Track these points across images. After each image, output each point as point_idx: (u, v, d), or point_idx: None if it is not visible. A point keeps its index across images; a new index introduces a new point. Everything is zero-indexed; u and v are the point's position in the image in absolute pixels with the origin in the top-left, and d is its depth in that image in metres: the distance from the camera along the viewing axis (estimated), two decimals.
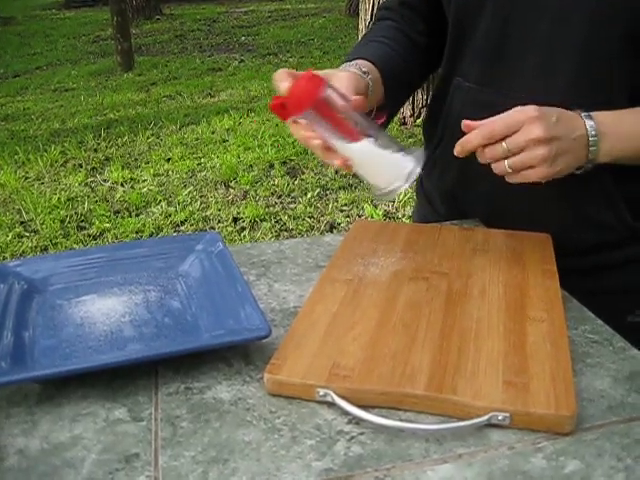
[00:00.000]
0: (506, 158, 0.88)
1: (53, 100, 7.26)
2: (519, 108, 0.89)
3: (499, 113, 0.90)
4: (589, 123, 0.90)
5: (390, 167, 0.90)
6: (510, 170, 0.89)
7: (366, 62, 1.05)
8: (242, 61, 8.50)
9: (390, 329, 0.82)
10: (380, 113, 1.06)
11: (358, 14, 6.12)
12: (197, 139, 5.36)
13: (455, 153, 0.92)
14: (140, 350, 0.80)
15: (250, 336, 0.78)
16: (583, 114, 0.91)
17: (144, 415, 0.72)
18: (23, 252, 3.69)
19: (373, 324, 0.83)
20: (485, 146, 0.89)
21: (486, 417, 0.68)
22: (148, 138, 5.49)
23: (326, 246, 1.08)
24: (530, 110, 0.87)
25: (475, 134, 0.90)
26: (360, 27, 5.99)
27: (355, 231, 1.07)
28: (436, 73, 1.24)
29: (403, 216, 3.73)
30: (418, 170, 0.90)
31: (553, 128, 0.87)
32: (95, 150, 5.30)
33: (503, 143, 0.87)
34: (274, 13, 11.91)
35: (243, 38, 10.03)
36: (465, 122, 0.91)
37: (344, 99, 0.88)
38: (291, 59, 8.37)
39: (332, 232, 3.62)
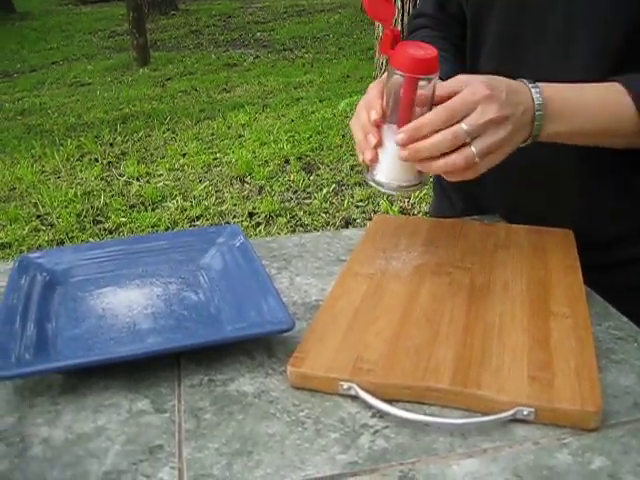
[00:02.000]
0: (464, 145, 0.82)
1: (69, 95, 7.30)
2: (467, 85, 0.83)
3: None
4: (535, 91, 0.86)
5: (408, 168, 0.89)
6: (478, 159, 0.82)
7: None
8: (257, 57, 8.51)
9: (413, 323, 0.81)
10: None
11: None
12: (212, 134, 5.37)
13: (398, 142, 0.84)
14: (163, 342, 0.80)
15: (274, 329, 0.78)
16: (530, 84, 0.87)
17: (167, 407, 0.72)
18: (39, 245, 3.72)
19: (396, 318, 0.82)
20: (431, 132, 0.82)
21: (511, 412, 0.68)
22: (164, 133, 5.50)
23: (347, 240, 1.08)
24: (481, 88, 0.82)
25: (432, 115, 0.83)
26: (376, 22, 5.96)
27: (376, 225, 1.07)
28: None
29: (419, 212, 3.72)
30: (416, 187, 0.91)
31: (506, 105, 0.82)
32: (111, 144, 5.32)
33: (462, 124, 0.81)
34: (289, 9, 11.90)
35: (258, 34, 10.04)
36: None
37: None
38: (306, 55, 8.38)
39: (347, 228, 3.62)
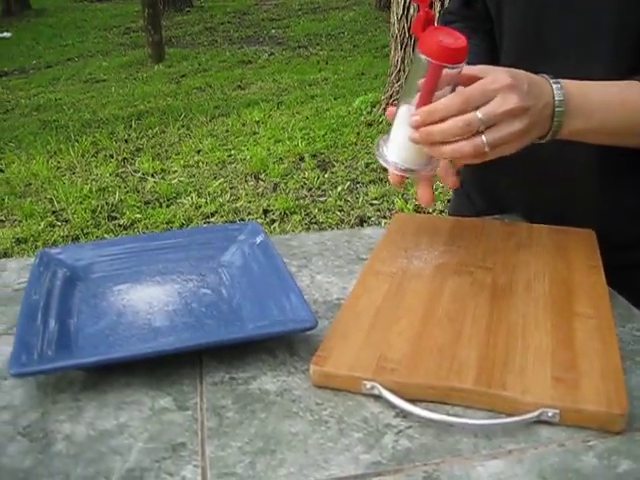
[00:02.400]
0: (477, 133, 0.81)
1: (84, 91, 7.32)
2: (491, 74, 0.82)
3: None
4: (556, 87, 0.85)
5: (419, 151, 0.88)
6: (487, 149, 0.81)
7: None
8: (272, 54, 8.50)
9: (435, 323, 0.81)
10: None
11: (389, 7, 6.09)
12: (227, 131, 5.38)
13: (411, 124, 0.84)
14: (185, 339, 0.79)
15: (296, 327, 0.77)
16: (551, 79, 0.86)
17: (189, 404, 0.72)
18: (55, 241, 3.73)
19: (418, 317, 0.82)
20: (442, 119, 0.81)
21: (536, 413, 0.67)
22: (178, 129, 5.51)
23: (367, 238, 1.07)
24: (504, 77, 0.81)
25: (445, 101, 0.81)
26: (392, 20, 5.95)
27: (396, 224, 1.06)
28: None
29: (434, 210, 3.71)
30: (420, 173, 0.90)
31: (527, 97, 0.81)
32: (126, 141, 5.34)
33: (477, 112, 0.80)
34: (304, 6, 11.89)
35: (273, 31, 10.04)
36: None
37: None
38: (321, 52, 8.36)
39: (362, 226, 3.62)
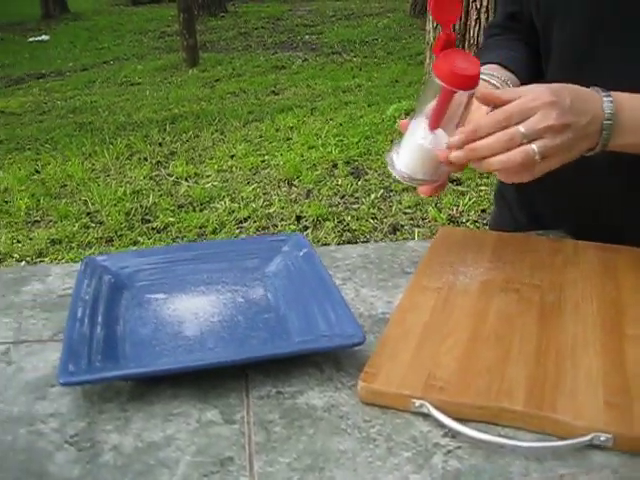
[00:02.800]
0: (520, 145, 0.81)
1: (119, 94, 7.39)
2: (532, 92, 0.83)
3: None
4: (607, 100, 0.85)
5: (427, 163, 0.90)
6: (538, 157, 0.81)
7: (494, 65, 1.03)
8: (306, 59, 8.52)
9: (484, 341, 0.80)
10: None
11: (424, 14, 6.07)
12: (261, 136, 5.39)
13: (449, 145, 0.85)
14: (233, 353, 0.79)
15: (345, 343, 0.77)
16: (602, 92, 0.86)
17: (236, 418, 0.72)
18: (89, 242, 3.77)
19: (466, 335, 0.81)
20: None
21: (588, 437, 0.66)
22: (212, 134, 5.54)
23: (410, 252, 1.06)
24: (545, 94, 0.82)
25: (487, 119, 0.84)
26: (427, 27, 5.95)
27: (441, 238, 1.05)
28: None
29: (467, 221, 3.69)
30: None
31: (568, 113, 0.82)
32: (160, 144, 5.37)
33: (520, 127, 0.81)
34: (338, 12, 11.90)
35: (307, 37, 10.06)
36: (482, 92, 0.86)
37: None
38: (355, 59, 8.36)
39: (395, 234, 3.60)
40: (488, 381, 0.73)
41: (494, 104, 0.85)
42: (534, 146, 0.81)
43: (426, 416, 0.71)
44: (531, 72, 1.08)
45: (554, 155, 0.83)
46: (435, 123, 0.88)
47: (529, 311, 0.86)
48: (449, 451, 0.67)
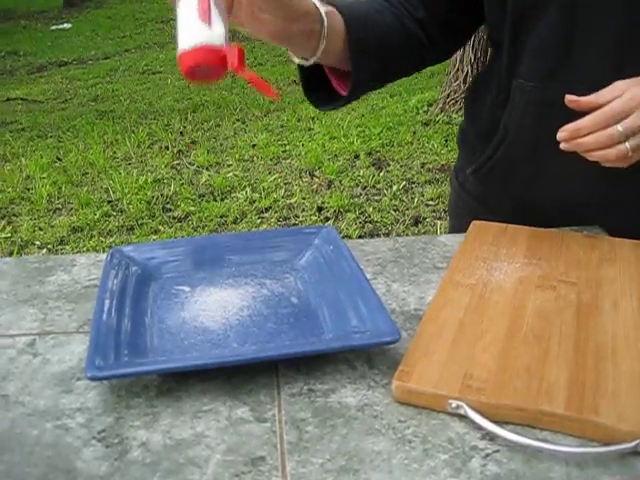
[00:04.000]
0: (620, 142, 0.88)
1: (141, 82, 7.39)
2: (628, 92, 0.88)
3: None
4: None
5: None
6: (631, 153, 0.87)
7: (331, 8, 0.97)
8: None
9: (521, 340, 0.78)
10: (344, 81, 1.02)
11: None
12: (282, 126, 5.37)
13: (559, 138, 0.90)
14: (264, 349, 0.77)
15: (380, 341, 0.74)
16: None
17: (267, 416, 0.70)
18: (110, 230, 3.76)
19: (502, 333, 0.79)
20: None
21: (633, 444, 0.64)
22: (234, 123, 5.52)
23: (442, 246, 1.04)
24: (639, 94, 0.87)
25: (589, 120, 0.88)
26: None
27: (474, 233, 1.03)
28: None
29: None
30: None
31: None
32: (181, 133, 5.36)
33: (618, 126, 0.87)
34: None
35: None
36: (569, 97, 0.90)
37: None
38: None
39: (417, 226, 3.57)
40: (527, 382, 0.71)
41: (592, 109, 0.89)
42: (627, 144, 0.87)
43: (462, 417, 0.68)
44: (376, 39, 1.03)
45: None
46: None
47: (567, 309, 0.84)
48: (487, 455, 0.65)
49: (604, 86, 0.90)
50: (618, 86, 0.89)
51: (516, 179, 1.15)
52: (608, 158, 0.89)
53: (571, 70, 1.00)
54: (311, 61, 0.97)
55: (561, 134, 0.90)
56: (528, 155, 1.09)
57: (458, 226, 1.27)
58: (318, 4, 0.93)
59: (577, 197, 1.10)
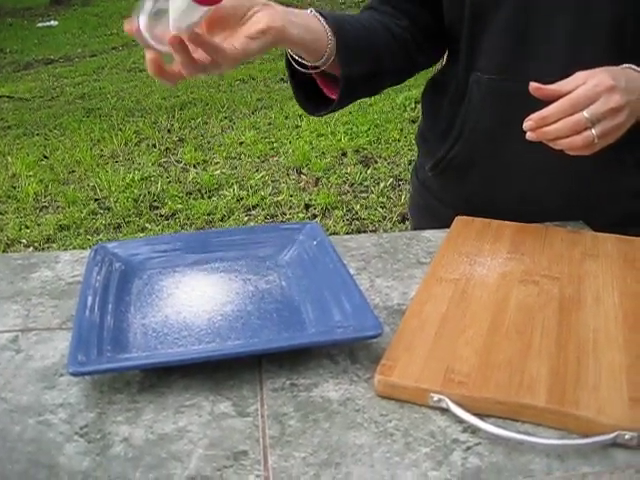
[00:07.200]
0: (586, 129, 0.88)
1: (128, 80, 7.35)
2: (593, 78, 0.89)
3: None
4: None
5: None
6: (597, 140, 0.88)
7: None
8: None
9: (503, 334, 0.78)
10: (333, 85, 1.03)
11: None
12: (270, 124, 5.35)
13: (525, 128, 0.90)
14: (246, 343, 0.77)
15: (362, 335, 0.75)
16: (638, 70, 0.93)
17: (250, 410, 0.70)
18: (97, 229, 3.75)
19: (485, 328, 0.79)
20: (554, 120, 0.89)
21: (612, 435, 0.64)
22: (221, 121, 5.50)
23: (425, 242, 1.04)
24: (607, 79, 0.88)
25: (555, 108, 0.89)
26: None
27: (458, 228, 1.03)
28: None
29: None
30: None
31: (625, 94, 0.89)
32: (169, 131, 5.34)
33: (584, 113, 0.88)
34: (348, 0, 11.83)
35: None
36: (534, 84, 0.90)
37: None
38: None
39: (404, 223, 3.58)
40: (509, 375, 0.71)
41: (556, 97, 0.89)
42: (594, 131, 0.88)
43: (444, 411, 0.69)
44: (365, 42, 1.04)
45: (611, 133, 0.90)
46: None
47: (549, 304, 0.84)
48: (469, 447, 0.65)
49: (561, 78, 0.91)
50: (580, 76, 0.90)
51: (475, 176, 1.16)
52: (574, 145, 0.89)
53: (525, 66, 1.02)
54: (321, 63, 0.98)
55: (527, 123, 0.90)
56: (486, 151, 1.11)
57: (419, 225, 1.28)
58: (318, 16, 0.99)
59: (537, 194, 1.12)
